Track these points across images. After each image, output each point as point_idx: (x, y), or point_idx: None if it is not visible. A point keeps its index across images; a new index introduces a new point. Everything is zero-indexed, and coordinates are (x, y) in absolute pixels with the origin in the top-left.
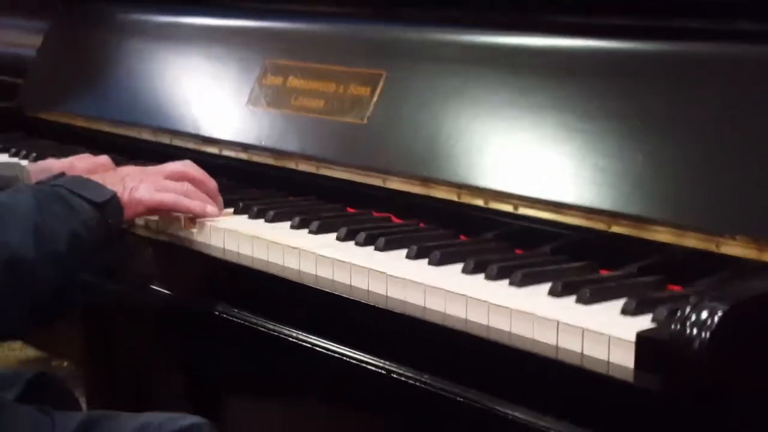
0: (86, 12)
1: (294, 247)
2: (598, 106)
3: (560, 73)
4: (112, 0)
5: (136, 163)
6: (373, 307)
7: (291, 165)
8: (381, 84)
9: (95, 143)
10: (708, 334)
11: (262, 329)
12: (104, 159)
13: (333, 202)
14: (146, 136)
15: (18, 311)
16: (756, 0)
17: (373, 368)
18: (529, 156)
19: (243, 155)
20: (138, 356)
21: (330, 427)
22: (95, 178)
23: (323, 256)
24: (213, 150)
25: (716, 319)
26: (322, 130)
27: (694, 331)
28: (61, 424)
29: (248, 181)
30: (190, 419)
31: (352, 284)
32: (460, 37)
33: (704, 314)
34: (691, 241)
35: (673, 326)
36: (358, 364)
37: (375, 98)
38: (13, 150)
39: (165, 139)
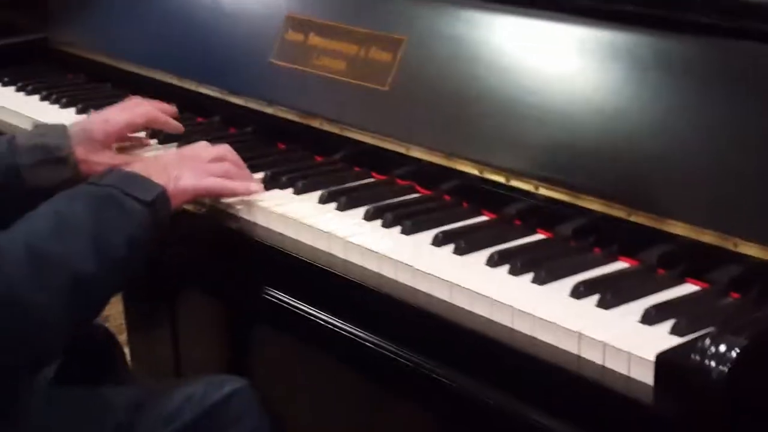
0: None
1: (325, 231)
2: (627, 95)
3: (590, 56)
4: None
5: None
6: (401, 301)
7: (315, 124)
8: (402, 49)
9: (121, 82)
10: (726, 368)
11: (298, 310)
12: (138, 104)
13: (358, 164)
14: (172, 80)
15: (76, 327)
16: None
17: (402, 360)
18: (550, 137)
19: (268, 109)
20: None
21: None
22: (139, 169)
23: (352, 243)
24: (239, 101)
25: (734, 353)
26: (344, 92)
27: (713, 363)
28: (109, 403)
29: (274, 135)
30: (231, 384)
31: (381, 273)
32: (486, 6)
33: (723, 347)
34: (709, 237)
35: (692, 356)
36: (388, 354)
37: (396, 64)
38: (44, 93)
39: (191, 86)
